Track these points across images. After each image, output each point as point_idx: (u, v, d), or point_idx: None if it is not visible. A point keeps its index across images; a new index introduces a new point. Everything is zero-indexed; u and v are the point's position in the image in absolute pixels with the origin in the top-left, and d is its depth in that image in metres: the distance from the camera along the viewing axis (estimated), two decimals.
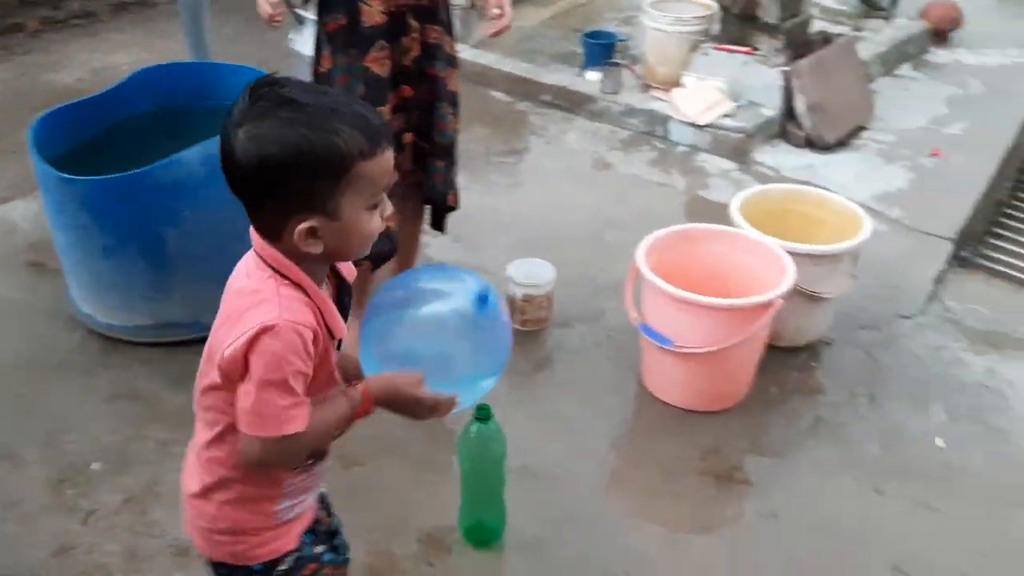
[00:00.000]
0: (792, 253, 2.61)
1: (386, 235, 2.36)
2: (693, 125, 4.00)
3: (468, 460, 2.09)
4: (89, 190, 2.45)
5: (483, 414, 2.03)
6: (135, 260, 2.56)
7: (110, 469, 2.34)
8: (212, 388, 1.31)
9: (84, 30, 6.18)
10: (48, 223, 2.73)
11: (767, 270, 2.61)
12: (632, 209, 3.52)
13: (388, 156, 1.24)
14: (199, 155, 2.48)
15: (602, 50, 4.44)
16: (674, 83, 4.20)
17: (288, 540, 1.44)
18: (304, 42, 3.41)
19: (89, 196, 2.45)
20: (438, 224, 2.72)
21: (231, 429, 1.31)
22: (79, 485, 2.31)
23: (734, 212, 2.80)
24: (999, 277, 3.45)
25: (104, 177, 2.43)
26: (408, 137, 2.50)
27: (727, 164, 3.91)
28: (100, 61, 5.46)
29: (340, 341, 1.37)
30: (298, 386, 1.25)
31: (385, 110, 2.35)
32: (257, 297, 1.24)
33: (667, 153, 4.03)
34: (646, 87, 4.33)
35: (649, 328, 2.57)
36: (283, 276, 1.26)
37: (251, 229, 1.28)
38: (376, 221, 1.27)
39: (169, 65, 3.06)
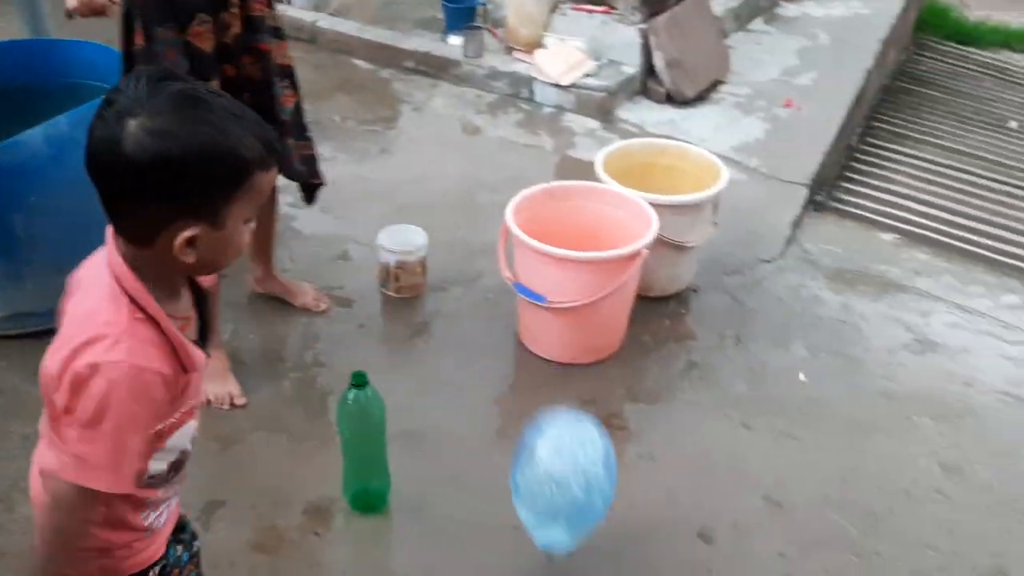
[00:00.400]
0: (655, 205, 2.68)
1: None
2: (557, 86, 4.05)
3: (348, 427, 2.09)
4: None
5: (359, 380, 2.02)
6: None
7: None
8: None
9: None
10: None
11: (633, 223, 2.68)
12: (502, 172, 3.54)
13: (274, 171, 1.17)
14: (42, 136, 2.35)
15: (463, 14, 4.42)
16: (536, 44, 4.22)
17: (157, 548, 1.36)
18: None
19: None
20: (309, 198, 2.66)
21: None
22: None
23: (598, 168, 2.86)
24: (851, 218, 3.64)
25: None
26: None
27: (592, 123, 3.98)
28: None
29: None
30: (139, 439, 1.15)
31: (215, 85, 2.18)
32: (106, 330, 1.11)
33: (533, 115, 4.07)
34: (509, 50, 4.34)
35: (523, 286, 2.60)
36: (140, 308, 1.14)
37: (109, 237, 1.15)
38: (248, 235, 1.19)
39: (3, 43, 2.88)
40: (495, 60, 4.26)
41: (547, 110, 4.08)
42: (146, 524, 1.31)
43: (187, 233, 1.11)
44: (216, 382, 2.44)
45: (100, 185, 1.11)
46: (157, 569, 1.36)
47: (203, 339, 1.27)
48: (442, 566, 2.09)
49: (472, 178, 3.54)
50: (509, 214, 2.59)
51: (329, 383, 2.54)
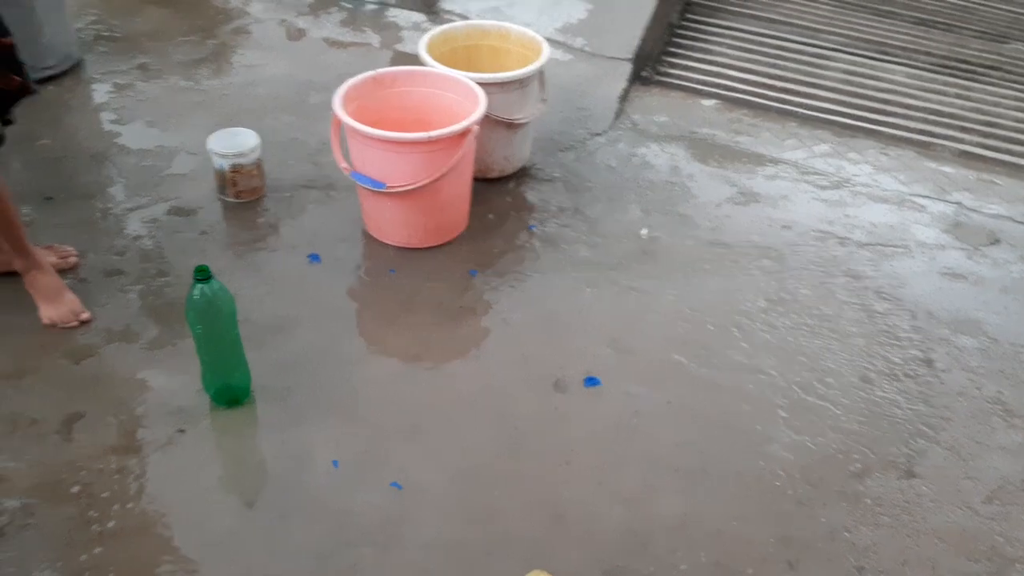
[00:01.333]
0: (482, 84, 2.74)
1: None
2: None
3: (199, 322, 2.09)
4: None
5: (202, 274, 2.02)
6: None
7: None
8: None
9: None
10: None
11: (462, 103, 2.73)
12: (331, 72, 3.51)
13: None
14: None
15: None
16: None
17: None
18: None
19: None
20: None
21: None
22: None
23: (423, 53, 2.88)
24: (675, 89, 3.80)
25: None
26: None
27: (417, 16, 3.97)
28: None
29: None
30: None
31: None
32: None
33: (356, 13, 4.02)
34: None
35: (360, 175, 2.63)
36: None
37: None
38: None
39: None
40: None
41: (370, 7, 4.04)
42: None
43: None
44: (55, 303, 2.39)
45: None
46: None
47: None
48: (309, 446, 2.15)
49: (301, 80, 3.50)
50: (337, 103, 2.60)
51: (176, 291, 2.52)
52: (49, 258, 2.52)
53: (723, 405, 2.34)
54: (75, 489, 2.02)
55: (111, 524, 1.96)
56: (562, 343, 2.49)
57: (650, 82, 3.85)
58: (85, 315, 2.41)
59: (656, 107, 3.63)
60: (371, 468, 2.11)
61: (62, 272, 2.52)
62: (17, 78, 2.26)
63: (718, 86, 3.86)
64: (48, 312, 2.40)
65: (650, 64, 3.96)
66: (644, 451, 2.20)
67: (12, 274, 2.45)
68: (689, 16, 4.53)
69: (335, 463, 2.11)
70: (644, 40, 3.94)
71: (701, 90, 3.82)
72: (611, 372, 2.40)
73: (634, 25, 4.01)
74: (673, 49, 4.18)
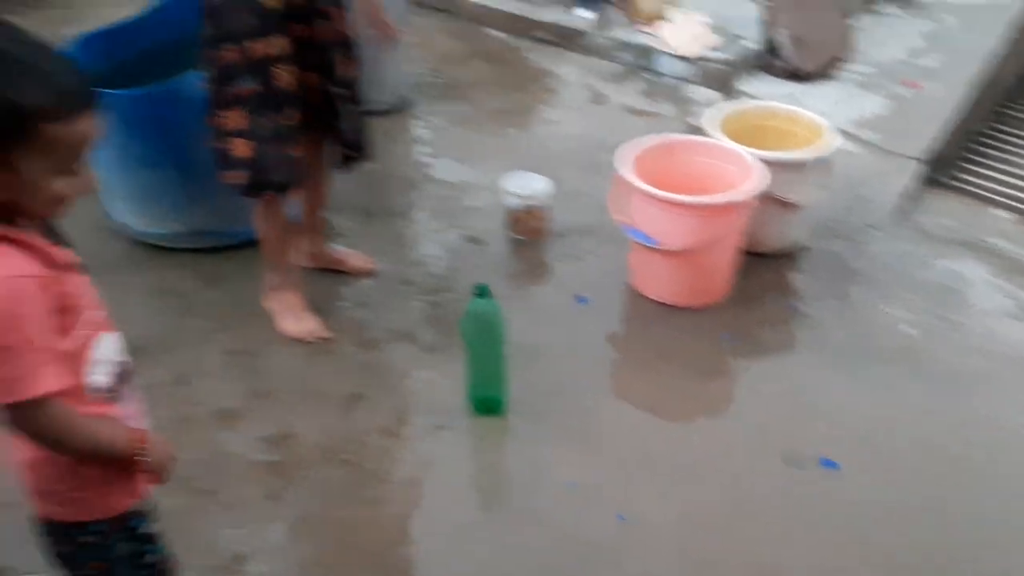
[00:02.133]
0: (763, 160, 2.86)
1: (288, 163, 2.44)
2: (680, 58, 4.23)
3: (471, 334, 2.36)
4: (126, 104, 2.69)
5: (482, 291, 2.29)
6: (169, 171, 2.81)
7: (157, 352, 2.61)
8: None
9: None
10: None
11: (741, 176, 2.86)
12: (624, 134, 3.70)
13: (84, 124, 1.16)
14: None
15: None
16: (658, 17, 4.41)
17: (127, 496, 1.43)
18: None
19: (126, 110, 2.68)
20: (346, 165, 2.72)
21: None
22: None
23: (710, 124, 3.04)
24: (967, 196, 3.68)
25: (138, 91, 2.68)
26: (313, 78, 2.47)
27: (713, 94, 4.15)
28: (110, 15, 5.68)
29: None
30: (39, 339, 1.19)
31: (278, 43, 2.33)
32: None
33: (656, 85, 4.27)
34: (634, 22, 4.54)
35: (635, 229, 2.82)
36: None
37: None
38: (68, 186, 1.19)
39: None
40: (621, 32, 4.47)
41: (669, 81, 4.28)
42: None
43: None
44: (296, 319, 2.69)
45: None
46: (148, 503, 1.48)
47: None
48: (549, 464, 2.34)
49: (596, 139, 3.77)
50: (624, 161, 2.81)
51: (455, 307, 2.83)
52: (356, 262, 2.93)
53: (968, 526, 2.24)
54: (346, 456, 2.34)
55: (368, 492, 2.25)
56: (805, 421, 2.52)
57: (941, 185, 3.76)
58: (324, 333, 2.69)
59: (943, 210, 3.55)
60: (602, 496, 2.25)
61: (360, 275, 2.93)
62: (357, 154, 2.68)
63: (1017, 199, 3.70)
64: (288, 326, 2.70)
65: (943, 167, 3.87)
66: (870, 544, 2.18)
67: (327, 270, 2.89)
68: (998, 126, 4.37)
69: (571, 484, 2.28)
70: (940, 142, 3.87)
71: (997, 200, 3.68)
72: (850, 460, 2.39)
73: (931, 126, 3.94)
74: (971, 156, 4.05)
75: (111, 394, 1.36)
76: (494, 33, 4.70)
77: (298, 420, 2.44)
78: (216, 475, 2.27)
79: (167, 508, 1.96)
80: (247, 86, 2.34)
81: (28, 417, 1.22)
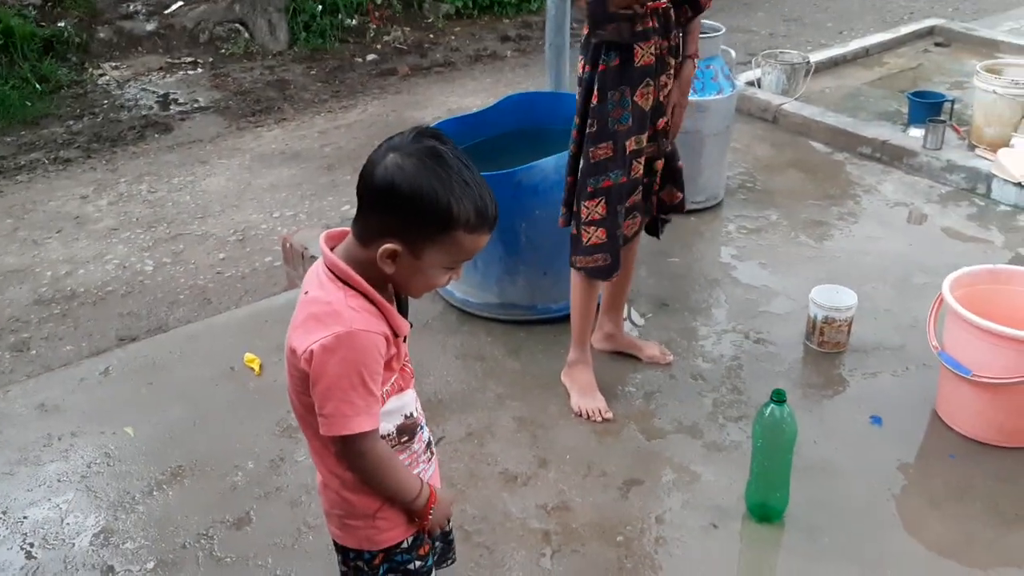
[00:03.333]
0: None
1: (611, 249, 2.64)
2: (1018, 185, 3.97)
3: (761, 438, 2.35)
4: None
5: (779, 396, 2.28)
6: (495, 246, 3.08)
7: (456, 408, 2.85)
8: (297, 391, 1.48)
9: (444, 76, 7.18)
10: None
11: None
12: (943, 258, 3.59)
13: (482, 239, 1.41)
14: (553, 163, 2.97)
15: (928, 108, 4.52)
16: (1001, 145, 4.19)
17: (394, 531, 1.60)
18: None
19: None
20: (655, 230, 2.92)
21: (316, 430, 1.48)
22: (431, 414, 2.83)
23: None
24: None
25: (481, 174, 2.98)
26: (659, 164, 2.75)
27: None
28: (456, 103, 6.34)
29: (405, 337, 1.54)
30: (373, 386, 1.41)
31: (643, 138, 2.61)
32: (330, 307, 1.40)
33: (987, 210, 4.03)
34: (971, 146, 4.35)
35: (949, 356, 2.68)
36: (351, 287, 1.42)
37: (322, 240, 1.48)
38: (444, 279, 1.45)
39: (531, 93, 3.62)
40: (953, 154, 4.29)
41: (1003, 208, 4.03)
42: None
43: (390, 246, 1.38)
44: (586, 397, 2.84)
45: (359, 190, 1.42)
46: (410, 541, 1.62)
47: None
48: None
49: (910, 260, 3.63)
50: (947, 286, 2.69)
51: (742, 409, 2.83)
52: (652, 351, 3.02)
53: None
54: (620, 539, 2.39)
55: (639, 573, 2.28)
56: None
57: None
58: (608, 415, 2.80)
59: None
60: None
61: (656, 367, 3.00)
62: (680, 195, 2.85)
63: None
64: (578, 402, 2.84)
65: None
66: None
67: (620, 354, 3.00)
68: None
69: None
70: None
71: None
72: None
73: None
74: None
75: (397, 444, 1.56)
76: (815, 145, 4.69)
77: (577, 494, 2.54)
78: (493, 532, 2.42)
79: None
80: (614, 179, 2.59)
81: (353, 449, 1.46)
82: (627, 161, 2.60)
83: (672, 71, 2.62)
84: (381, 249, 1.39)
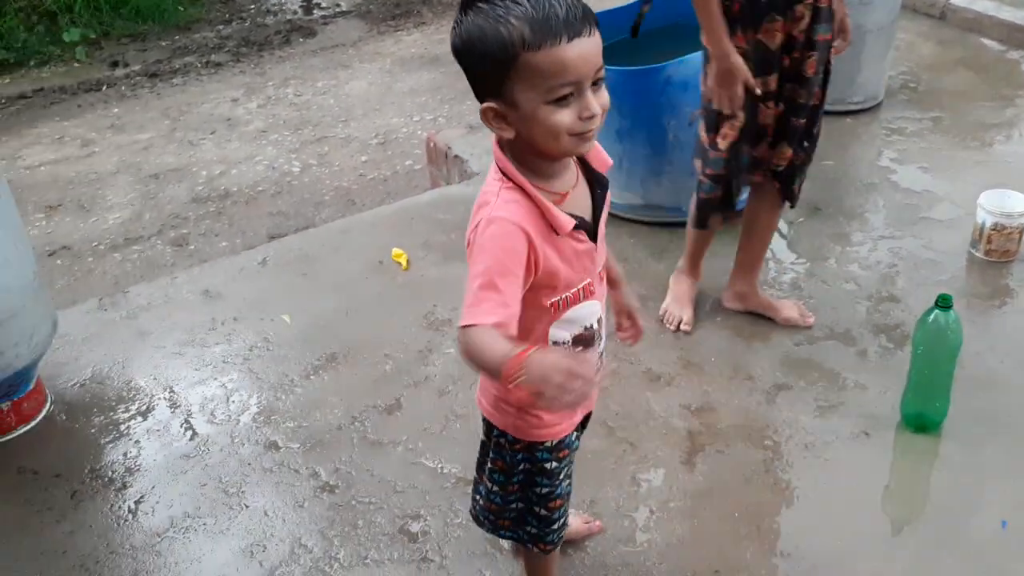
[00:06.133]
0: None
1: (718, 180, 2.50)
2: None
3: (923, 344, 2.24)
4: (615, 78, 2.91)
5: (945, 301, 2.17)
6: (641, 145, 3.02)
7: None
8: None
9: None
10: None
11: None
12: None
13: (564, 50, 1.22)
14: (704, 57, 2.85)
15: None
16: None
17: (563, 428, 1.59)
18: None
19: (614, 84, 2.88)
20: (787, 196, 2.58)
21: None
22: None
23: None
24: None
25: (628, 68, 2.90)
26: (771, 111, 2.40)
27: None
28: (611, 1, 6.16)
29: (595, 232, 1.43)
30: (500, 280, 1.29)
31: (770, 80, 2.33)
32: (484, 198, 1.36)
33: None
34: None
35: None
36: (508, 179, 1.35)
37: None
38: (563, 117, 1.27)
39: None
40: None
41: None
42: None
43: (485, 105, 1.30)
44: (675, 303, 2.77)
45: None
46: (553, 443, 1.60)
47: (594, 228, 1.45)
48: (981, 497, 2.16)
49: None
50: None
51: (900, 316, 2.71)
52: (790, 312, 2.73)
53: None
54: (767, 442, 2.36)
55: (780, 478, 2.25)
56: None
57: None
58: (687, 327, 2.73)
59: None
60: None
61: (793, 326, 2.72)
62: (789, 154, 2.48)
63: None
64: (666, 305, 2.79)
65: None
66: None
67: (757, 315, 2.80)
68: None
69: (1004, 523, 2.09)
70: None
71: None
72: None
73: None
74: None
75: (573, 349, 1.49)
76: (987, 43, 4.35)
77: (722, 396, 2.51)
78: (636, 429, 2.42)
79: (589, 447, 2.15)
80: (739, 120, 2.37)
81: (461, 338, 1.30)
82: (752, 104, 2.35)
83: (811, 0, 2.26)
84: (482, 113, 1.31)
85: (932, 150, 3.54)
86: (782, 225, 3.18)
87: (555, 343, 1.47)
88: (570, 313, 1.46)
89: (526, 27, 1.22)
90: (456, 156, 3.69)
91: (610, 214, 3.17)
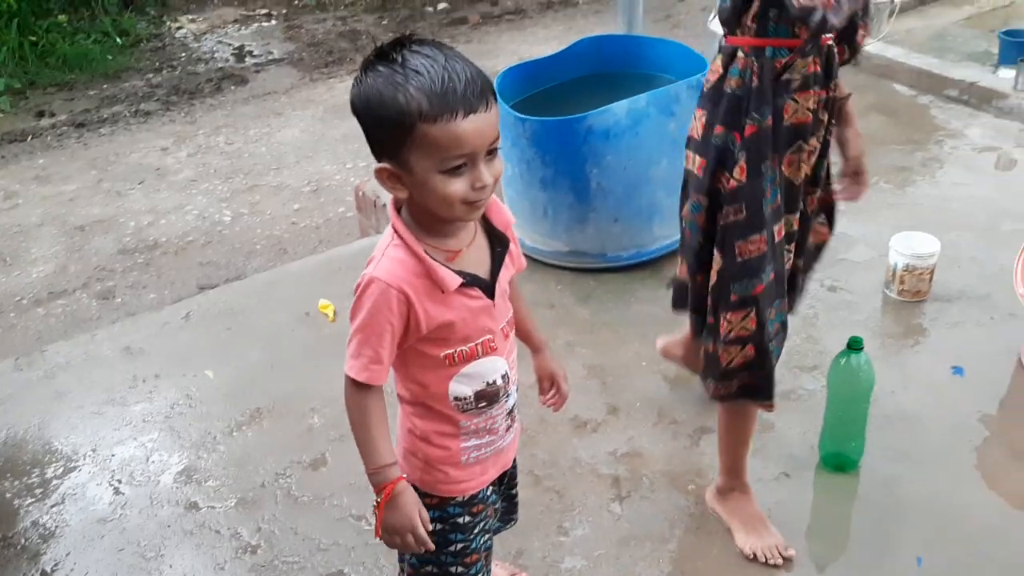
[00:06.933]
0: None
1: (763, 366, 1.99)
2: None
3: (836, 387, 2.30)
4: (537, 128, 2.99)
5: (856, 344, 2.23)
6: (565, 194, 3.06)
7: (526, 355, 2.84)
8: None
9: (514, 24, 7.10)
10: None
11: None
12: None
13: (459, 125, 1.24)
14: (625, 108, 2.92)
15: (1020, 47, 4.31)
16: None
17: (474, 485, 1.57)
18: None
19: (537, 134, 2.99)
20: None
21: (396, 367, 1.48)
22: None
23: None
24: None
25: (551, 118, 2.96)
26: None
27: None
28: (527, 51, 6.27)
29: (493, 290, 1.45)
30: (378, 341, 1.36)
31: (793, 220, 1.96)
32: (375, 252, 1.38)
33: None
34: None
35: None
36: (399, 236, 1.37)
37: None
38: (456, 186, 1.29)
39: (603, 36, 3.55)
40: None
41: None
42: (462, 450, 1.52)
43: (379, 166, 1.31)
44: (756, 533, 2.20)
45: None
46: (465, 497, 1.58)
47: (490, 285, 1.45)
48: (897, 535, 2.21)
49: (998, 206, 3.49)
50: None
51: (819, 358, 2.77)
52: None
53: None
54: (691, 487, 2.38)
55: (705, 524, 2.27)
56: None
57: None
58: (789, 552, 2.17)
59: None
60: None
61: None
62: (826, 232, 2.18)
63: None
64: (748, 542, 2.20)
65: None
66: None
67: None
68: None
69: (919, 560, 2.14)
70: None
71: None
72: None
73: None
74: None
75: (474, 408, 1.50)
76: (899, 88, 4.53)
77: (647, 442, 2.53)
78: (563, 477, 2.43)
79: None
80: (766, 280, 1.91)
81: (347, 388, 1.44)
82: (777, 251, 1.92)
83: (823, 131, 1.91)
84: (375, 173, 1.33)
85: None
86: None
87: (456, 399, 1.48)
88: (469, 368, 1.47)
89: (424, 99, 1.24)
90: (384, 205, 3.70)
91: (537, 260, 3.26)
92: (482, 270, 1.45)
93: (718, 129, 1.88)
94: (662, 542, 2.23)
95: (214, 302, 3.26)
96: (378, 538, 1.49)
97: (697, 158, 1.94)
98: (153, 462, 2.54)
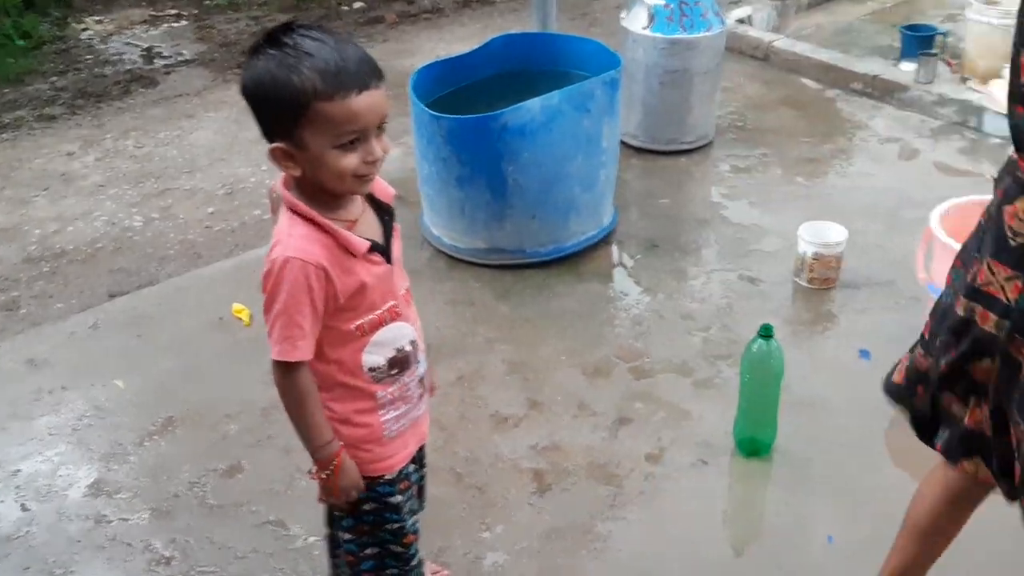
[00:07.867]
0: None
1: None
2: None
3: (749, 373, 2.35)
4: (453, 127, 2.98)
5: (766, 331, 2.28)
6: (482, 191, 3.06)
7: (446, 353, 2.84)
8: None
9: (432, 23, 7.06)
10: (413, 162, 3.33)
11: None
12: (933, 192, 3.54)
13: (354, 101, 1.30)
14: (540, 105, 2.93)
15: (920, 41, 4.46)
16: (993, 76, 4.14)
17: (397, 461, 1.61)
18: (632, 19, 3.81)
19: (452, 132, 2.98)
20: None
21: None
22: None
23: None
24: None
25: (466, 116, 2.96)
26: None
27: None
28: (444, 50, 6.24)
29: (388, 255, 1.49)
30: (302, 318, 1.38)
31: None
32: (277, 237, 1.40)
33: (979, 144, 4.00)
34: (962, 80, 4.30)
35: (936, 288, 2.67)
36: (296, 214, 1.39)
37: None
38: (350, 160, 1.34)
39: (517, 34, 3.57)
40: (945, 88, 4.25)
41: (994, 141, 3.99)
42: (383, 424, 1.56)
43: (273, 145, 1.35)
44: None
45: None
46: (393, 474, 1.62)
47: (386, 251, 1.50)
48: (809, 516, 2.27)
49: (901, 194, 3.61)
50: (935, 217, 2.68)
51: (733, 347, 2.83)
52: None
53: None
54: (611, 477, 2.41)
55: (625, 512, 2.30)
56: None
57: None
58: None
59: None
60: (859, 555, 2.15)
61: (636, 360, 2.73)
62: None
63: None
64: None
65: None
66: None
67: None
68: None
69: (830, 538, 2.20)
70: None
71: None
72: None
73: None
74: None
75: (387, 375, 1.54)
76: (807, 82, 4.63)
77: (567, 434, 2.55)
78: (484, 473, 2.43)
79: (437, 495, 2.16)
80: None
81: (275, 375, 1.47)
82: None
83: None
84: (269, 153, 1.36)
85: (759, 185, 3.74)
86: (626, 260, 3.29)
87: (371, 369, 1.51)
88: (378, 336, 1.50)
89: (318, 78, 1.29)
90: None
91: (455, 258, 3.25)
92: (377, 237, 1.51)
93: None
94: (583, 533, 2.25)
95: (123, 310, 3.17)
96: (321, 502, 1.63)
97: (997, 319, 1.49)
98: (60, 476, 2.46)
